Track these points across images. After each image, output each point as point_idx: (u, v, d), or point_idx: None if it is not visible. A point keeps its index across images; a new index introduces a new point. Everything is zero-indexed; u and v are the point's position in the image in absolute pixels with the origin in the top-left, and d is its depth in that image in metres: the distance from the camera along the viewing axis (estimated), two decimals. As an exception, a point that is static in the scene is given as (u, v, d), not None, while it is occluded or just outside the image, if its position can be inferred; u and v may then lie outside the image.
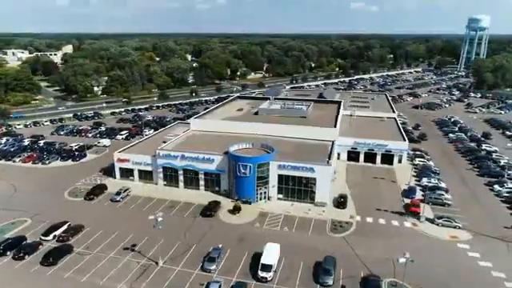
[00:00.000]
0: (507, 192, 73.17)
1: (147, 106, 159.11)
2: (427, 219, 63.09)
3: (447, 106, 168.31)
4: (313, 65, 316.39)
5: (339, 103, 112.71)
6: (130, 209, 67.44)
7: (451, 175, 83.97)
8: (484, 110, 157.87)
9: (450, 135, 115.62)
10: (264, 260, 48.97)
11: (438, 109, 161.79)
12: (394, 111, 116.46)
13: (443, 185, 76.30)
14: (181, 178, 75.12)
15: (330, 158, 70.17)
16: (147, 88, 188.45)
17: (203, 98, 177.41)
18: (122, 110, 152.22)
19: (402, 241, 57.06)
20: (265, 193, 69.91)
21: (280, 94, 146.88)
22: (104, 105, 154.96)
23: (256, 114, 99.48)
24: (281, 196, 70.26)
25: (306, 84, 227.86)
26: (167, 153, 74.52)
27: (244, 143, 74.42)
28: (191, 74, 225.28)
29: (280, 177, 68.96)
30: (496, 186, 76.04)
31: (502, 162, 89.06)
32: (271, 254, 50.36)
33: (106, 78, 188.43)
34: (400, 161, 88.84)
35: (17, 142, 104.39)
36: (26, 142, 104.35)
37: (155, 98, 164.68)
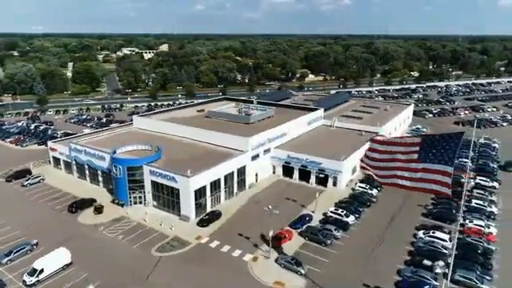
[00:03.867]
0: (425, 242, 55.31)
1: (170, 102, 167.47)
2: (282, 255, 52.42)
3: (505, 124, 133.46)
4: (386, 68, 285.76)
5: (314, 110, 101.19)
6: (25, 194, 72.64)
7: (385, 209, 67.35)
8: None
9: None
10: (35, 264, 47.85)
11: (490, 127, 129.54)
12: (381, 126, 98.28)
13: (349, 219, 61.80)
14: (87, 172, 77.83)
15: (204, 170, 63.51)
16: (187, 85, 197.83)
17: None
18: (145, 104, 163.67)
19: (218, 273, 48.77)
20: (140, 197, 67.56)
21: (290, 98, 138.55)
22: (129, 99, 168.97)
23: (207, 117, 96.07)
24: (155, 203, 66.91)
25: (354, 90, 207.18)
26: (75, 146, 77.90)
27: (144, 145, 73.14)
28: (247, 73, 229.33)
29: (153, 183, 65.67)
30: (420, 233, 58.18)
31: (473, 203, 67.40)
32: (50, 258, 48.84)
33: (154, 74, 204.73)
34: (335, 183, 74.94)
35: (26, 126, 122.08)
36: (32, 127, 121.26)
37: (179, 95, 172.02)
